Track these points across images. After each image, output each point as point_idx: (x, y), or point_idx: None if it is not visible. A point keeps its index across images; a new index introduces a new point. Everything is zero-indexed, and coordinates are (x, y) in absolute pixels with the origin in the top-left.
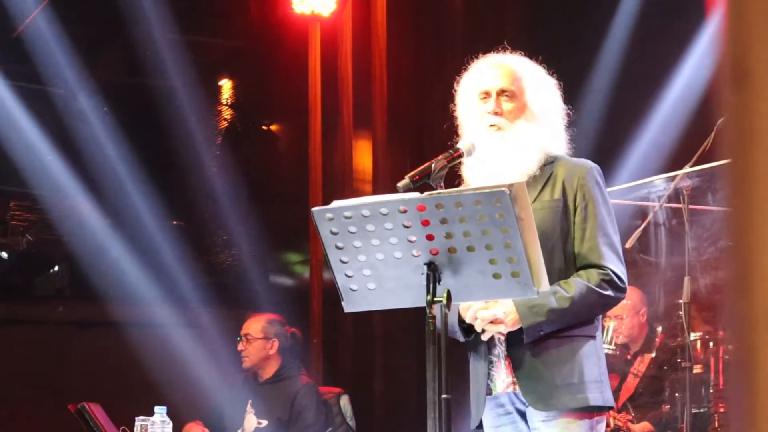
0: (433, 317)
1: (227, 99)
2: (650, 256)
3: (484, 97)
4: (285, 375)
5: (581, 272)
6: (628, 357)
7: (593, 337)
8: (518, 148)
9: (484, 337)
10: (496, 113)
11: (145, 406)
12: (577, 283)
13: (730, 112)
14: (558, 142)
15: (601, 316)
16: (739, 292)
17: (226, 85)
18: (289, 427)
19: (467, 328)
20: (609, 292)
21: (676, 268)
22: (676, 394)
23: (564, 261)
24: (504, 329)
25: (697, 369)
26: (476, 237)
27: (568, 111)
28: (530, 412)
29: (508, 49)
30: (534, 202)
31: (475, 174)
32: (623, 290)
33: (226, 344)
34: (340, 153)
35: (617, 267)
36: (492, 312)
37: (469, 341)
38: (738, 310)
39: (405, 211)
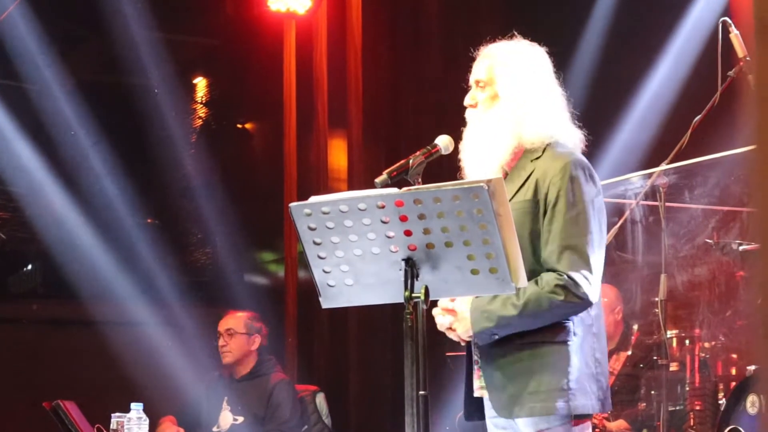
0: (411, 313)
1: (202, 97)
2: (627, 253)
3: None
4: (260, 372)
5: (542, 275)
6: None
7: (564, 342)
8: (485, 139)
9: (440, 328)
10: (471, 105)
11: (121, 403)
12: (530, 290)
13: (756, 63)
14: (545, 130)
15: (587, 320)
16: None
17: (200, 83)
18: (266, 423)
19: None
20: (561, 298)
21: (652, 265)
22: (652, 392)
23: (534, 263)
24: (455, 337)
25: (673, 367)
26: (454, 233)
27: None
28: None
29: (506, 36)
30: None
31: (464, 166)
32: (581, 295)
33: (201, 342)
34: (315, 151)
35: (577, 271)
36: (448, 319)
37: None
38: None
39: (383, 207)
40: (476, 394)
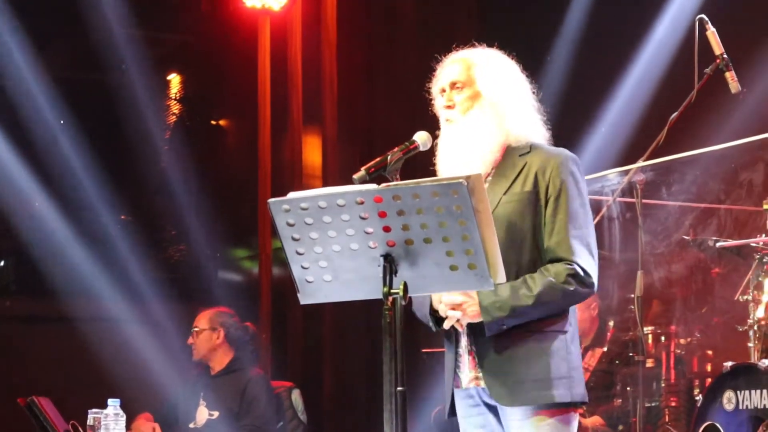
0: (390, 309)
1: (176, 93)
2: (603, 250)
3: (442, 93)
4: (236, 367)
5: (548, 266)
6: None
7: (563, 331)
8: (472, 138)
9: (446, 325)
10: (448, 107)
11: (95, 400)
12: (542, 279)
13: None
14: (528, 129)
15: (576, 311)
16: None
17: (174, 80)
18: (241, 418)
19: (438, 319)
20: (574, 287)
21: (629, 262)
22: (628, 389)
23: (536, 254)
24: (461, 317)
25: (648, 363)
26: (433, 229)
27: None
28: (502, 410)
29: (474, 44)
30: (504, 194)
31: (441, 167)
32: (590, 285)
33: (176, 338)
34: (289, 148)
35: (585, 261)
36: (453, 298)
37: (442, 331)
38: None
39: (362, 203)
40: (469, 384)
